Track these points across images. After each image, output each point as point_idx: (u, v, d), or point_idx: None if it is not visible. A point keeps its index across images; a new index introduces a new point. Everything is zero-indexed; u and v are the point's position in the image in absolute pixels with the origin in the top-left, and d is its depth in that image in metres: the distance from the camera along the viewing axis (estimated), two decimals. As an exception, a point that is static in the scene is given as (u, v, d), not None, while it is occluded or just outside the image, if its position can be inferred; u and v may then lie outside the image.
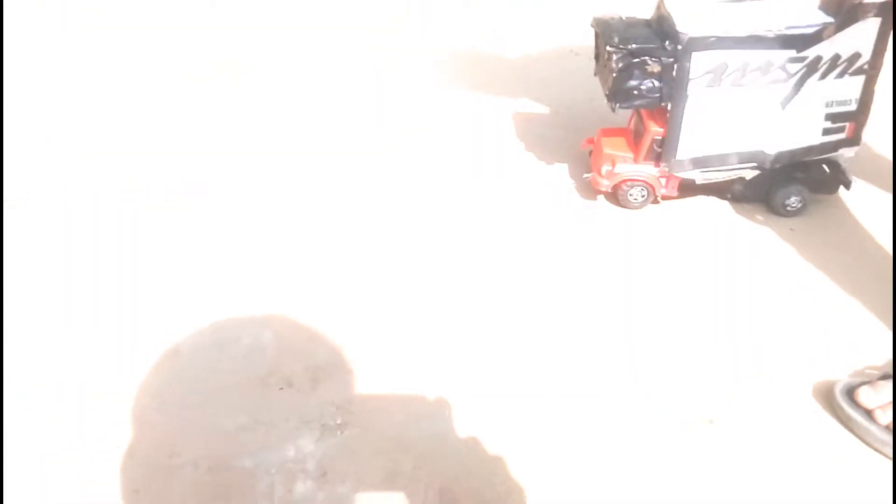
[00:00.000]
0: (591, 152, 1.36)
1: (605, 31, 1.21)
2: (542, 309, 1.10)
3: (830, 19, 1.13)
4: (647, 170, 1.27)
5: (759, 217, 1.29)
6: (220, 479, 0.86)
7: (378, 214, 1.32)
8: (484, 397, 0.96)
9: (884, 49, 1.17)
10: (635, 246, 1.24)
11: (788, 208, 1.28)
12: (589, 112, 1.23)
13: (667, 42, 1.15)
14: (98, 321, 1.09)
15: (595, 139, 1.34)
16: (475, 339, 1.05)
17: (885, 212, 1.28)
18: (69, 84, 1.78)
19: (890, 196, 1.32)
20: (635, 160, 1.27)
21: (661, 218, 1.30)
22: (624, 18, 1.24)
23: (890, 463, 0.88)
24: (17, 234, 1.27)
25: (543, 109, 1.64)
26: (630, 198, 1.29)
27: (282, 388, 0.97)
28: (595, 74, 1.28)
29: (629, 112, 1.30)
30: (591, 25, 1.25)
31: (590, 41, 1.28)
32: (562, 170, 1.43)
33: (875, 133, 1.41)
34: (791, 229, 1.26)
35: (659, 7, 1.20)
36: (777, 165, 1.24)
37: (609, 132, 1.34)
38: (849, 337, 1.05)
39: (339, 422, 0.92)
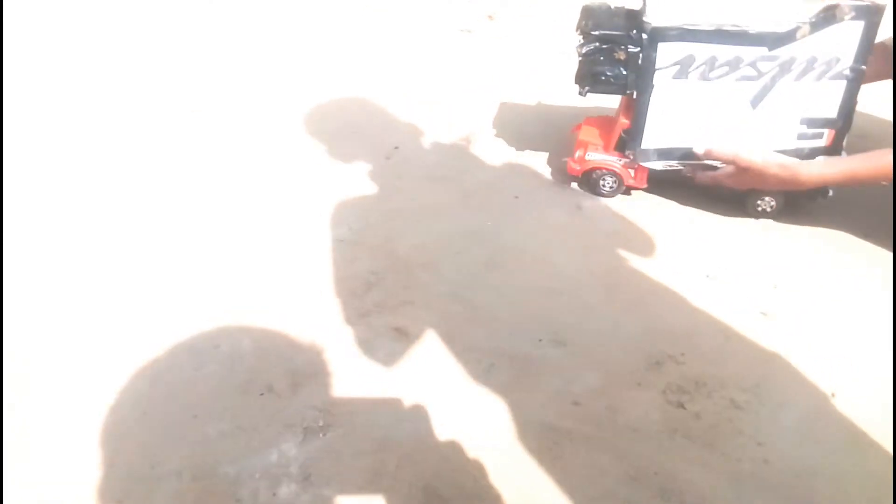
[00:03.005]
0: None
1: (583, 17, 1.22)
2: (518, 299, 1.11)
3: (806, 19, 1.09)
4: (616, 159, 1.29)
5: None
6: (204, 486, 0.85)
7: (351, 209, 1.33)
8: (463, 396, 0.96)
9: (866, 55, 1.11)
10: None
11: (759, 209, 1.26)
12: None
13: (633, 31, 1.15)
14: (71, 322, 1.09)
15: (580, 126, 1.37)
16: (451, 338, 1.05)
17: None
18: (68, 83, 1.79)
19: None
20: (605, 149, 1.30)
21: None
22: (612, 7, 1.24)
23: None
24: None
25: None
26: (601, 185, 1.33)
27: (262, 394, 0.96)
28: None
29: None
30: (580, 12, 1.25)
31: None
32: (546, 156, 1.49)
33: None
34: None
35: None
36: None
37: (592, 121, 1.37)
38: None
39: (321, 424, 0.92)
